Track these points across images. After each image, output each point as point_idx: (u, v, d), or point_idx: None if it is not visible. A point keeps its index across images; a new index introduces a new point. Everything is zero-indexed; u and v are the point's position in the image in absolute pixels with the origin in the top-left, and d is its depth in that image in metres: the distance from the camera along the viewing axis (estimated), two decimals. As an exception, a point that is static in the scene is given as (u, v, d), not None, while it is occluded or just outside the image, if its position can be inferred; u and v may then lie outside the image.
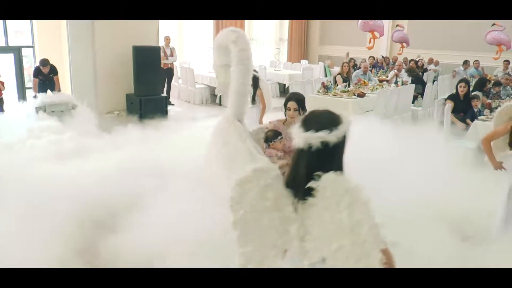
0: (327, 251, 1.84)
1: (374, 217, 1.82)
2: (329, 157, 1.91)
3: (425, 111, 9.97)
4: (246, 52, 4.14)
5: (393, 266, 1.97)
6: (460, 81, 7.77)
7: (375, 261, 1.79)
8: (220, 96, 12.06)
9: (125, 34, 9.68)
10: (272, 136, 4.20)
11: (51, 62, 8.95)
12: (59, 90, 8.97)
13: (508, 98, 8.99)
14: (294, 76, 13.55)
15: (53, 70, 8.93)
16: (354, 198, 1.83)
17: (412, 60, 13.63)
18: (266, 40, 18.64)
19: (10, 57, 11.52)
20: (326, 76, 14.92)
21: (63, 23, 10.44)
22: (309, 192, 1.89)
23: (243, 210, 1.93)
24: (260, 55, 17.88)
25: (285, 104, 4.22)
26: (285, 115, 4.27)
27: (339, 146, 1.92)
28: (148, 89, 9.65)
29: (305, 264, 1.91)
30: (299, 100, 4.20)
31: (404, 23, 15.22)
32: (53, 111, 8.17)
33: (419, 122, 9.22)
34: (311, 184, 1.87)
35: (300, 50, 19.75)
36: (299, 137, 1.91)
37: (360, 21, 12.38)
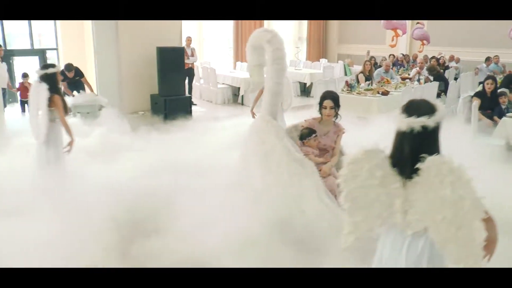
0: (430, 221, 2.13)
1: (475, 192, 2.04)
2: (429, 140, 2.20)
3: (449, 109, 9.93)
4: (280, 52, 4.23)
5: (495, 232, 2.22)
6: (487, 78, 7.73)
7: (476, 229, 2.04)
8: (242, 96, 12.15)
9: (149, 35, 9.80)
10: (306, 134, 4.24)
11: (75, 64, 9.05)
12: (92, 90, 9.08)
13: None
14: (315, 75, 13.58)
15: (78, 73, 9.03)
16: (457, 177, 2.05)
17: (433, 57, 13.56)
18: (285, 39, 18.64)
19: (34, 60, 11.76)
20: (346, 74, 14.92)
21: (86, 25, 10.61)
22: (415, 171, 2.15)
23: (354, 185, 2.23)
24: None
25: (321, 103, 4.25)
26: (320, 114, 4.29)
27: (436, 130, 2.22)
28: (172, 89, 9.75)
29: (408, 233, 2.22)
30: (335, 98, 4.23)
31: (424, 20, 15.11)
32: (79, 112, 8.28)
33: (444, 119, 9.16)
34: (418, 165, 2.14)
35: (319, 49, 19.77)
36: (402, 122, 2.18)
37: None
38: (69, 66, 8.89)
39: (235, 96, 12.70)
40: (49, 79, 5.06)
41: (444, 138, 6.49)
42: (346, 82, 9.31)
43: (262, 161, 4.14)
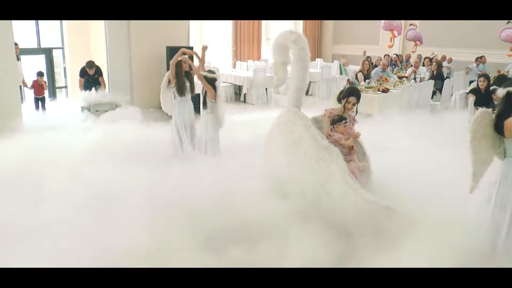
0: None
1: None
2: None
3: (443, 106, 10.47)
4: (305, 51, 4.70)
5: None
6: (480, 75, 8.28)
7: None
8: (245, 94, 12.58)
9: (158, 35, 10.21)
10: (337, 120, 4.73)
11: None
12: (104, 89, 9.47)
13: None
14: (313, 75, 14.00)
15: (98, 72, 9.42)
16: None
17: (426, 57, 14.09)
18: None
19: (41, 59, 12.00)
20: (341, 73, 15.39)
21: (92, 24, 10.93)
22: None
23: (472, 139, 3.69)
24: (275, 54, 18.29)
25: (346, 97, 4.75)
26: (343, 107, 4.78)
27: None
28: (181, 87, 10.07)
29: (504, 161, 3.74)
30: (359, 97, 4.75)
31: (417, 21, 15.66)
32: (97, 111, 8.65)
33: (445, 115, 9.62)
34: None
35: (314, 49, 20.24)
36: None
37: (382, 20, 12.86)
38: (90, 64, 9.28)
39: (237, 94, 13.15)
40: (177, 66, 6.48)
41: (447, 127, 7.05)
42: (348, 80, 9.79)
43: (289, 149, 4.58)
